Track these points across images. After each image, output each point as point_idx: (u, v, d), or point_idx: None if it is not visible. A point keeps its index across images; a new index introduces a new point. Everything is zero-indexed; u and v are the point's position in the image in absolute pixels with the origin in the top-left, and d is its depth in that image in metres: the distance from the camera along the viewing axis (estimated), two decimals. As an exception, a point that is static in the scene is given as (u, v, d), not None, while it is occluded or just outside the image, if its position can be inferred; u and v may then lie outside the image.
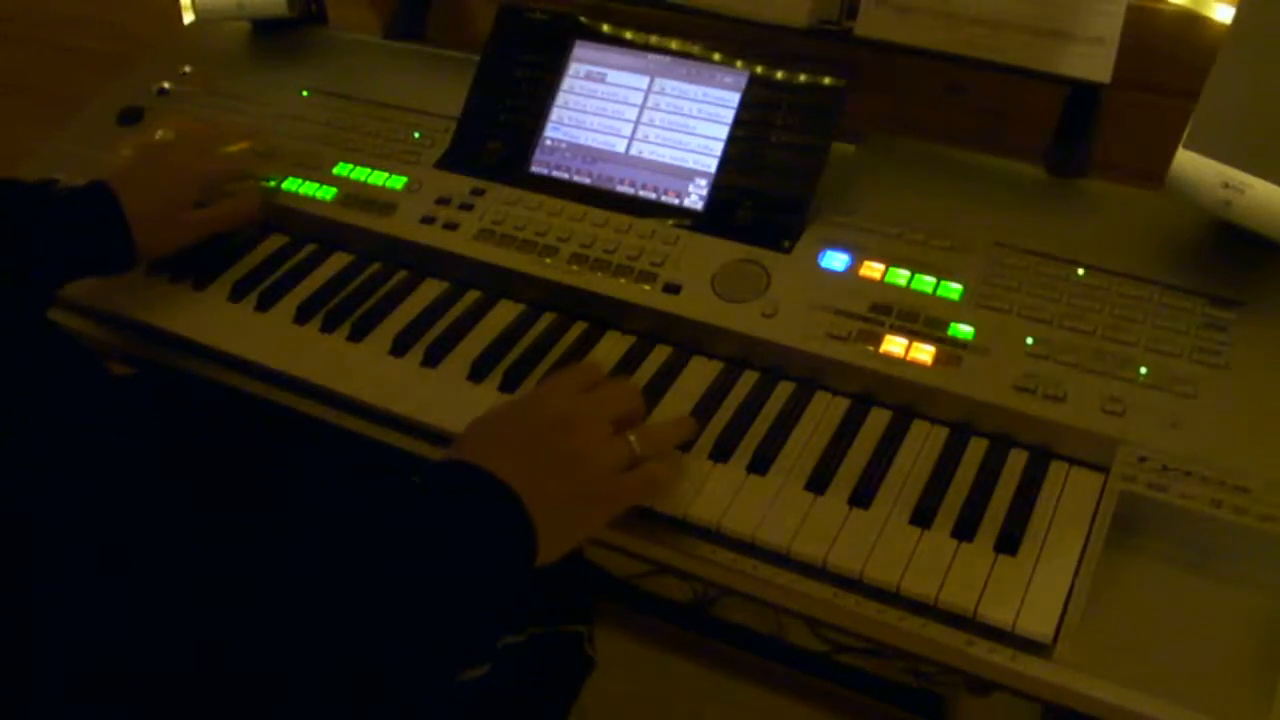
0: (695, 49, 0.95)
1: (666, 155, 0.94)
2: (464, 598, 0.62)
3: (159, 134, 1.08)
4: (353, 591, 0.58)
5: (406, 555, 0.61)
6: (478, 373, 0.86)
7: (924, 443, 0.79)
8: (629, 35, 0.98)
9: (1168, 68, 1.00)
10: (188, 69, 1.16)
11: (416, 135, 1.04)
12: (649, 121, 0.95)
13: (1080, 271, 0.83)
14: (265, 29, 1.19)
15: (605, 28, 0.99)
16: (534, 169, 0.98)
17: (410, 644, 0.59)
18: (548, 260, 0.91)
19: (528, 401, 0.74)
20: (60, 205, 0.91)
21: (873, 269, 0.86)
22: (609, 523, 0.72)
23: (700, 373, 0.85)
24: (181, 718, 0.52)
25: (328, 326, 0.91)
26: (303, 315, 0.92)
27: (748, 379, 0.84)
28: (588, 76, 0.98)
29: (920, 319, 0.82)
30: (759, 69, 0.93)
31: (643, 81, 0.96)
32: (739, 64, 0.94)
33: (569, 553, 0.69)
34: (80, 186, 0.90)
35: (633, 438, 0.72)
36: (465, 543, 0.63)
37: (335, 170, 1.02)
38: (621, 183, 0.95)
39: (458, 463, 0.67)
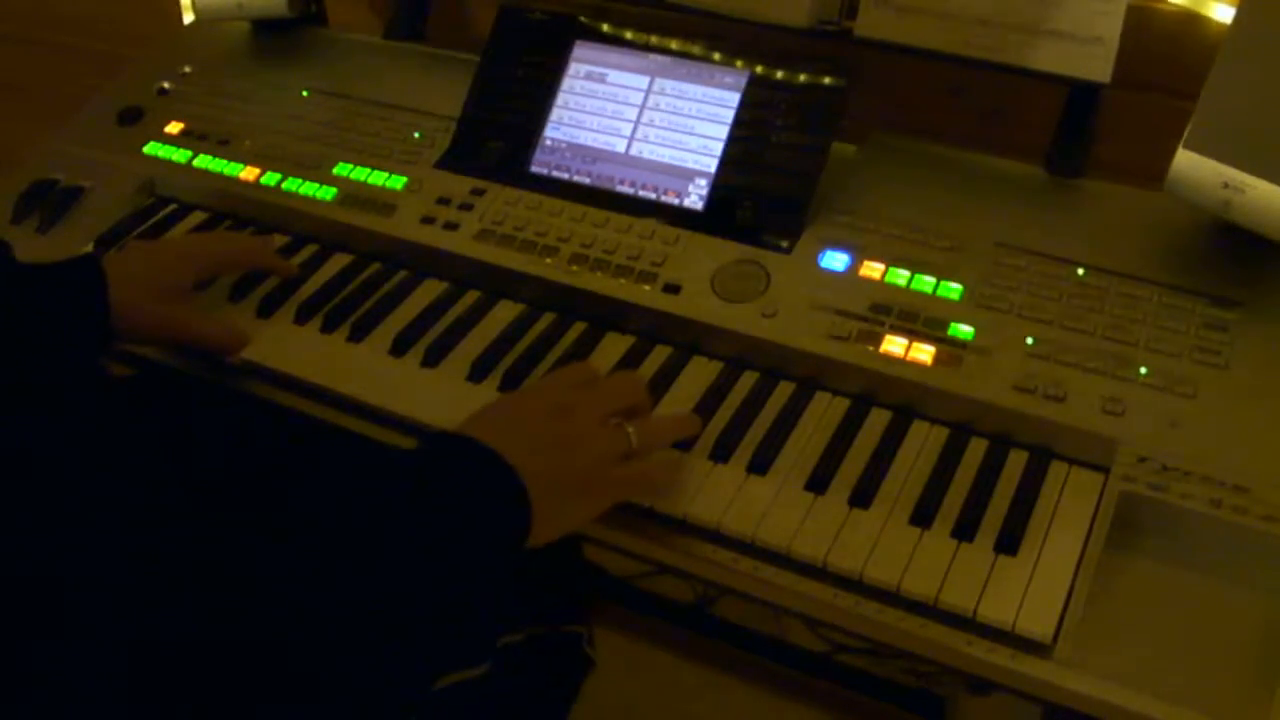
0: (695, 49, 0.95)
1: (666, 155, 0.94)
2: (459, 562, 0.62)
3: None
4: (345, 563, 0.58)
5: (397, 524, 0.61)
6: (478, 373, 0.86)
7: (924, 443, 0.79)
8: (629, 35, 0.98)
9: (1168, 68, 1.00)
10: (188, 69, 1.16)
11: (416, 135, 1.04)
12: (649, 121, 0.95)
13: (1080, 271, 0.83)
14: (265, 29, 1.19)
15: (605, 28, 0.99)
16: (534, 169, 0.98)
17: (404, 615, 0.59)
18: (548, 260, 0.91)
19: (527, 390, 0.74)
20: (41, 279, 0.83)
21: (873, 269, 0.86)
22: (603, 515, 0.71)
23: (700, 373, 0.85)
24: (179, 712, 0.52)
25: (328, 326, 0.91)
26: (303, 315, 0.92)
27: (748, 379, 0.84)
28: (588, 76, 0.98)
29: (920, 319, 0.82)
30: (759, 69, 0.93)
31: (643, 81, 0.96)
32: (739, 64, 0.94)
33: (565, 548, 0.69)
34: (68, 261, 0.85)
35: (631, 430, 0.72)
36: (460, 506, 0.63)
37: (335, 170, 1.02)
38: (621, 183, 0.95)
39: (451, 434, 0.67)
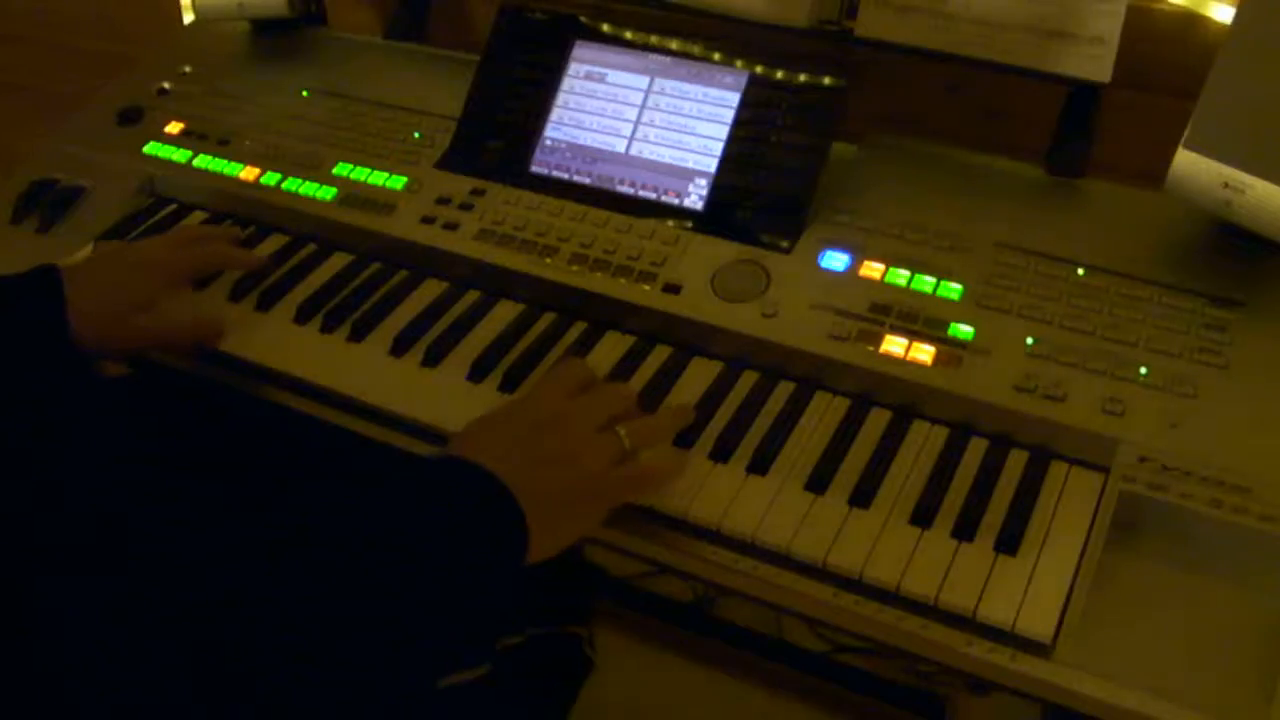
0: (695, 49, 0.95)
1: (666, 155, 0.94)
2: (456, 587, 0.62)
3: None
4: (345, 586, 0.58)
5: (397, 547, 0.61)
6: (478, 373, 0.86)
7: (924, 443, 0.78)
8: (629, 35, 0.98)
9: (1167, 68, 1.00)
10: (188, 69, 1.16)
11: (416, 135, 1.04)
12: (649, 121, 0.95)
13: (1080, 271, 0.83)
14: (265, 29, 1.19)
15: (605, 28, 0.99)
16: (534, 169, 0.98)
17: (403, 635, 0.59)
18: (548, 260, 0.91)
19: (519, 402, 0.74)
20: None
21: (873, 269, 0.86)
22: (604, 519, 0.72)
23: (700, 373, 0.85)
24: (179, 712, 0.52)
25: (328, 326, 0.91)
26: (303, 315, 0.92)
27: (748, 379, 0.84)
28: (588, 76, 0.98)
29: (920, 319, 0.82)
30: (759, 69, 0.93)
31: (643, 81, 0.96)
32: (739, 64, 0.94)
33: (566, 552, 0.69)
34: (26, 272, 0.82)
35: (622, 431, 0.72)
36: (457, 531, 0.63)
37: (335, 170, 1.02)
38: (621, 183, 0.95)
39: (448, 457, 0.67)
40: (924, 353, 0.80)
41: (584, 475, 0.70)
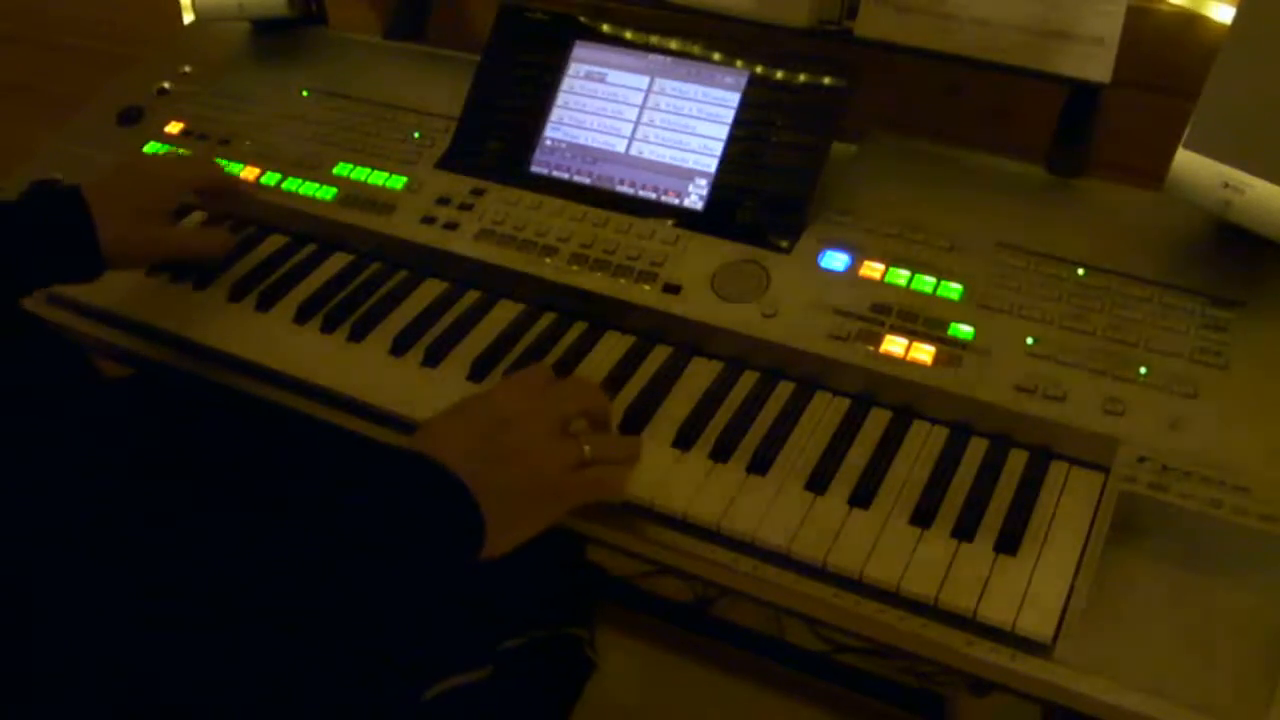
0: (695, 49, 0.95)
1: (666, 155, 0.94)
2: (412, 580, 0.63)
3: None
4: (302, 580, 0.59)
5: (353, 543, 0.62)
6: (478, 373, 0.86)
7: (924, 443, 0.79)
8: (629, 35, 0.98)
9: (1167, 68, 1.00)
10: (188, 69, 1.16)
11: (416, 135, 1.04)
12: (649, 121, 0.95)
13: (1080, 271, 0.83)
14: (265, 29, 1.19)
15: (605, 28, 0.99)
16: (534, 169, 0.98)
17: (358, 627, 0.61)
18: (548, 260, 0.91)
19: (482, 397, 0.75)
20: (26, 209, 0.88)
21: (873, 269, 0.86)
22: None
23: (700, 373, 0.85)
24: (174, 709, 0.53)
25: (328, 326, 0.91)
26: (303, 315, 0.92)
27: (748, 379, 0.84)
28: (588, 76, 0.98)
29: (920, 319, 0.82)
30: (759, 69, 0.93)
31: (643, 81, 0.96)
32: (739, 64, 0.94)
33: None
34: (49, 192, 0.88)
35: (585, 442, 0.73)
36: (414, 525, 0.65)
37: (335, 170, 1.02)
38: (621, 183, 0.95)
39: (409, 452, 0.69)
40: (924, 353, 0.80)
41: (541, 475, 0.70)
